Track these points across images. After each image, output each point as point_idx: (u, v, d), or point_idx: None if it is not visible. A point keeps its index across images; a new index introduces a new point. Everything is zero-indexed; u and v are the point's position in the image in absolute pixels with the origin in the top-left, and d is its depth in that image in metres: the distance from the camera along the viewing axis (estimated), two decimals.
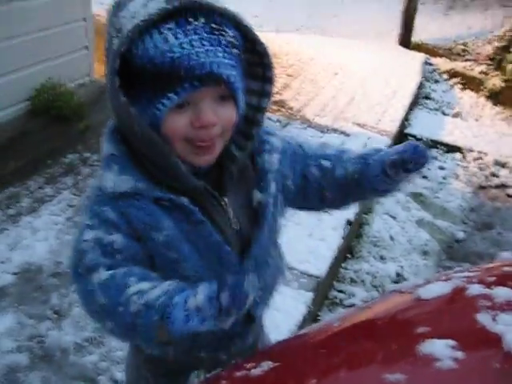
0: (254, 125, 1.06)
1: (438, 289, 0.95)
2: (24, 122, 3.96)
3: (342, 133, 4.47)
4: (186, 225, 0.99)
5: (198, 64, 0.88)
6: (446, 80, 6.91)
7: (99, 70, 5.47)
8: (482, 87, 6.68)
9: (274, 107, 4.80)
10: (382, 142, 4.43)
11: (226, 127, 0.98)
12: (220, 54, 0.90)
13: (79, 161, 3.77)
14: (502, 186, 4.92)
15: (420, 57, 7.04)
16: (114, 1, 0.97)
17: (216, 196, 1.04)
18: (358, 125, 4.70)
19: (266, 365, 0.87)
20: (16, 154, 3.65)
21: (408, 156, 1.04)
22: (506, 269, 1.06)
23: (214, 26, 0.90)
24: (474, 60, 7.22)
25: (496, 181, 4.95)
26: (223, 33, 0.91)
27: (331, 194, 1.19)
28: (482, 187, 4.86)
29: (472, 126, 5.89)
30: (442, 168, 4.99)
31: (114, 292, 0.93)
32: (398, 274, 3.40)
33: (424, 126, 5.49)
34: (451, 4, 9.57)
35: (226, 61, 0.91)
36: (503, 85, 6.48)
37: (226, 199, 1.06)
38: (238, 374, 0.89)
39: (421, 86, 6.49)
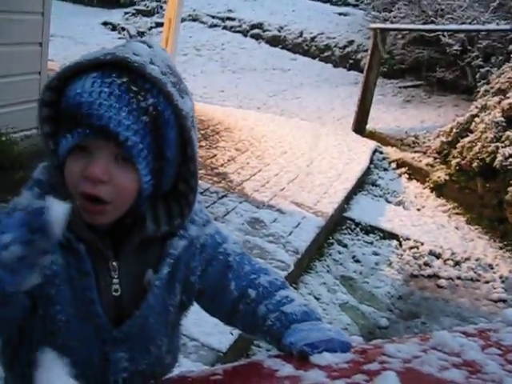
0: (185, 206, 1.02)
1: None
2: None
3: (278, 210, 4.52)
4: (74, 270, 0.96)
5: (96, 114, 0.88)
6: (394, 169, 7.14)
7: None
8: (427, 179, 6.91)
9: (216, 179, 4.86)
10: (316, 223, 4.48)
11: (119, 194, 0.93)
12: (123, 114, 0.88)
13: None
14: (434, 276, 4.98)
15: (371, 144, 7.30)
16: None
17: (105, 256, 0.99)
18: (296, 204, 4.76)
19: None
20: None
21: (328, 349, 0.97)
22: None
23: (133, 88, 0.90)
24: (423, 152, 7.50)
25: (428, 271, 5.01)
26: (139, 97, 0.89)
27: (240, 317, 1.14)
28: (413, 276, 4.90)
29: (413, 215, 6.03)
30: (376, 254, 5.04)
31: None
32: None
33: (364, 210, 5.60)
34: (409, 98, 10.06)
35: (129, 122, 0.88)
36: (447, 178, 6.72)
37: (115, 263, 1.00)
38: None
39: (368, 173, 6.67)
